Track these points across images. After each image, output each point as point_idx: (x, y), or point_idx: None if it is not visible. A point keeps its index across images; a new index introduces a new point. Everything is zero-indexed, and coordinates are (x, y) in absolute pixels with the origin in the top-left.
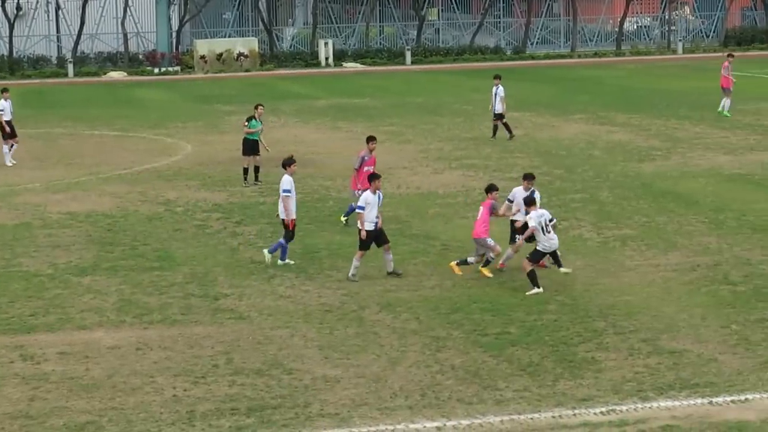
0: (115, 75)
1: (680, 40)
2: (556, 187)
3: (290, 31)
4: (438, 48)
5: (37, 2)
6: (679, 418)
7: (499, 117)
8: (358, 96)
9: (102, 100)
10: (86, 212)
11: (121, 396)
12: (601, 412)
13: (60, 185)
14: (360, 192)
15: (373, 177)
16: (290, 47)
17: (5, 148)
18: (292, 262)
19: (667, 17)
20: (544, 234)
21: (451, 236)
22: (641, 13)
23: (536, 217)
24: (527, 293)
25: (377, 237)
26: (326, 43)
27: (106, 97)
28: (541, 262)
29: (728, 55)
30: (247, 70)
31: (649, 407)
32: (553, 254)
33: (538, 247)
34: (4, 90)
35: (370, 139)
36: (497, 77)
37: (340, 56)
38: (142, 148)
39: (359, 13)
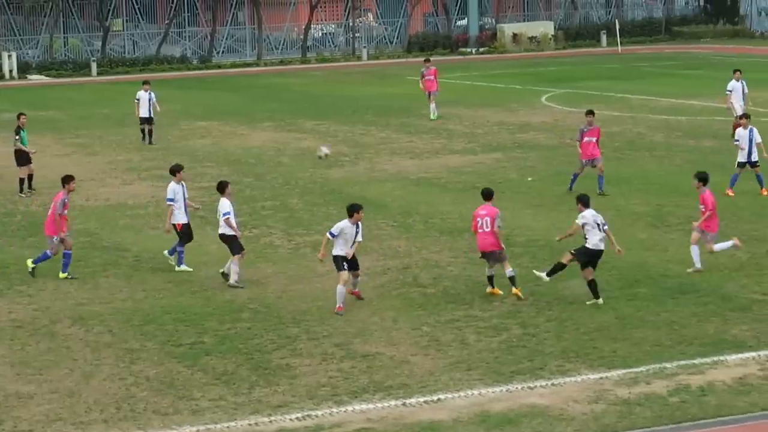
0: None
1: (365, 47)
2: (247, 195)
3: None
4: (124, 59)
5: None
6: (373, 420)
7: (150, 121)
8: (44, 109)
9: None
10: None
11: None
12: (297, 418)
13: None
14: (56, 239)
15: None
16: None
17: None
18: (191, 269)
19: (351, 24)
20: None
21: (143, 247)
22: (326, 20)
23: (590, 217)
24: (588, 302)
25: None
26: (9, 56)
27: None
28: None
29: (425, 60)
30: None
31: (344, 411)
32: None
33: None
34: None
35: (67, 179)
36: (147, 83)
37: (24, 68)
38: None
39: (43, 25)
